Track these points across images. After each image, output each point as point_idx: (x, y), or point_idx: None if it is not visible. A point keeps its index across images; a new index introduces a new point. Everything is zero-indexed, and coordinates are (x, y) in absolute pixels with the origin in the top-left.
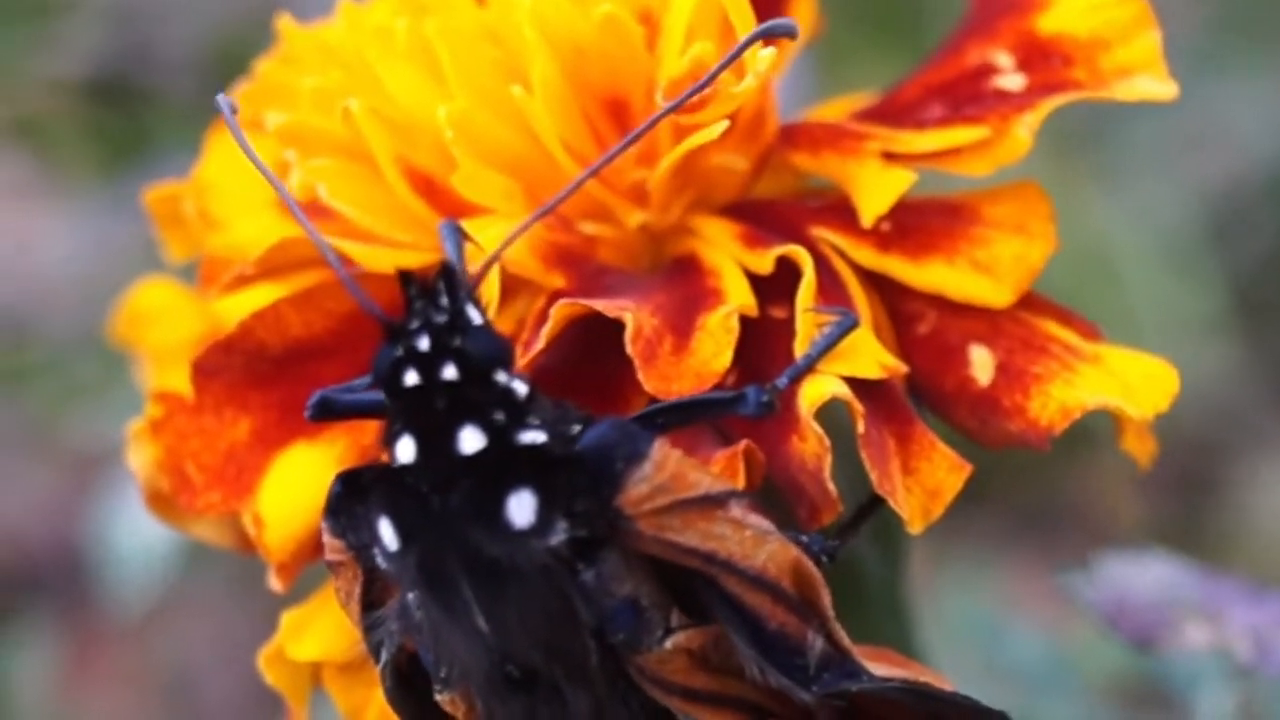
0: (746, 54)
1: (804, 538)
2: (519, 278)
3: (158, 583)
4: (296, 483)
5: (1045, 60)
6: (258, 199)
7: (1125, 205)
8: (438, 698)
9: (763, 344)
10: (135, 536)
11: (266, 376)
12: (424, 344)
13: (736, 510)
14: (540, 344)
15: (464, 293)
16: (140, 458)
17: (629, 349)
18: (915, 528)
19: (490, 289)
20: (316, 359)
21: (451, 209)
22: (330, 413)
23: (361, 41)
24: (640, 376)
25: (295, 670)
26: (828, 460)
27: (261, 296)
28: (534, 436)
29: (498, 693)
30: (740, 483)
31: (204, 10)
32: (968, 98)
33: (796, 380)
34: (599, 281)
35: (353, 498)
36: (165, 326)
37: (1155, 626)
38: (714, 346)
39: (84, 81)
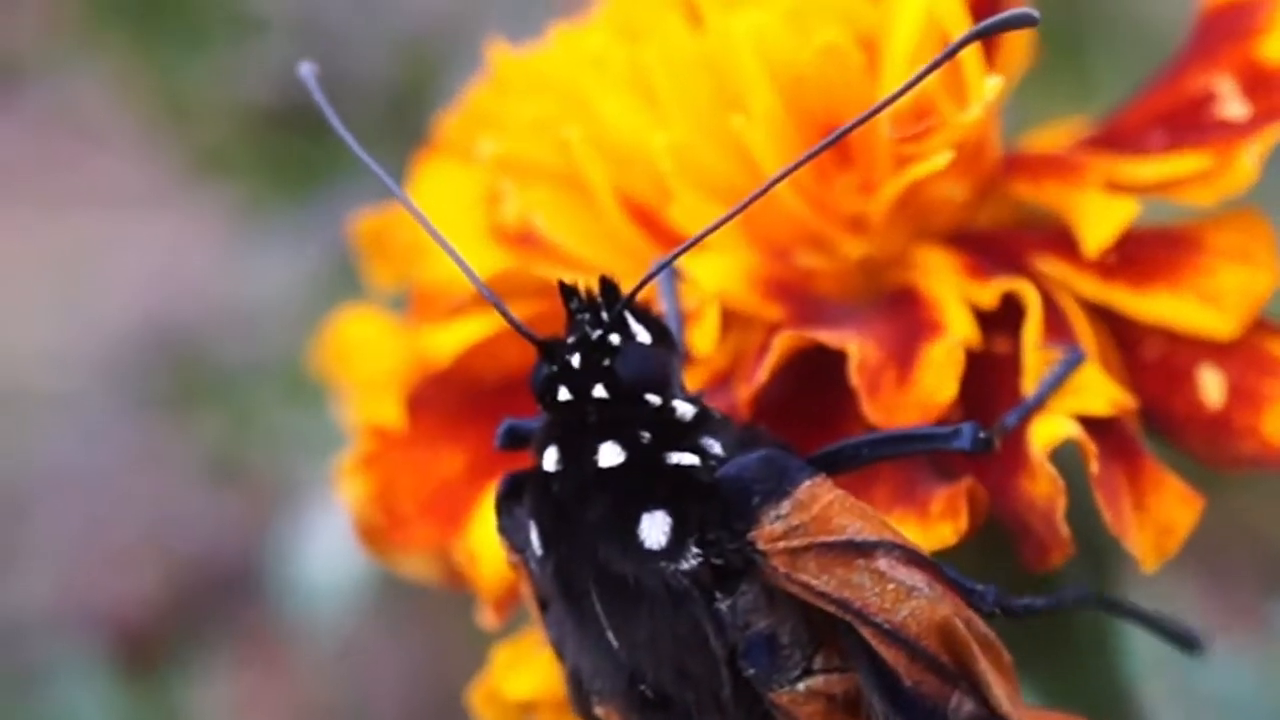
0: (972, 83)
1: (978, 588)
2: (738, 311)
3: (349, 615)
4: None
5: (1269, 88)
6: (471, 227)
7: None
8: (595, 709)
9: (985, 379)
10: (323, 569)
11: (480, 409)
12: (576, 361)
13: (883, 562)
14: (763, 376)
15: (623, 309)
16: (353, 492)
17: (853, 380)
18: (1149, 566)
19: (709, 323)
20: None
21: (667, 240)
22: (517, 441)
23: (576, 69)
24: (864, 408)
25: (509, 708)
26: (1061, 502)
27: (475, 328)
28: (684, 459)
29: (637, 710)
30: (961, 522)
31: (389, 33)
32: (1190, 126)
33: (1026, 419)
34: (818, 313)
35: (513, 498)
36: (371, 358)
37: None
38: (938, 378)
39: (267, 106)
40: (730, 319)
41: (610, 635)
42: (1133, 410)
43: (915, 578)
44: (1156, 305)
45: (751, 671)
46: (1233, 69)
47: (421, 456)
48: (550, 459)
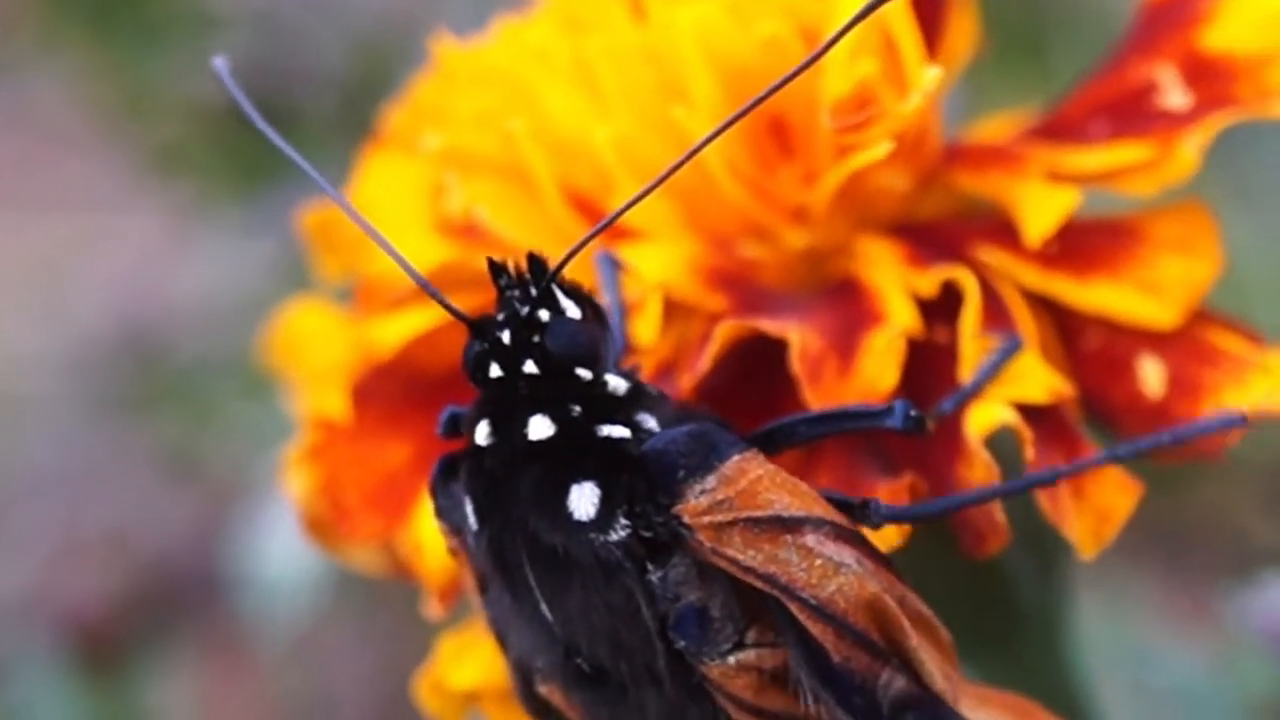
0: (912, 73)
1: (856, 501)
2: (680, 301)
3: (305, 610)
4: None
5: (1210, 77)
6: (416, 220)
7: (1253, 221)
8: (538, 688)
9: (926, 368)
10: (282, 564)
11: (425, 400)
12: (506, 337)
13: (811, 538)
14: (705, 364)
15: (553, 284)
16: (298, 484)
17: (794, 368)
18: (1088, 553)
19: (652, 313)
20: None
21: (611, 231)
22: (460, 427)
23: (520, 62)
24: (805, 396)
25: (453, 698)
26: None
27: (417, 319)
28: (614, 431)
29: (575, 687)
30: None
31: (343, 27)
32: (1132, 116)
33: (962, 405)
34: (760, 303)
35: (449, 477)
36: (318, 350)
37: None
38: (879, 367)
39: (223, 103)
40: (673, 309)
41: (544, 608)
42: (1072, 398)
43: (844, 554)
44: (1097, 295)
45: (682, 644)
46: (1174, 58)
47: (366, 448)
48: (482, 433)
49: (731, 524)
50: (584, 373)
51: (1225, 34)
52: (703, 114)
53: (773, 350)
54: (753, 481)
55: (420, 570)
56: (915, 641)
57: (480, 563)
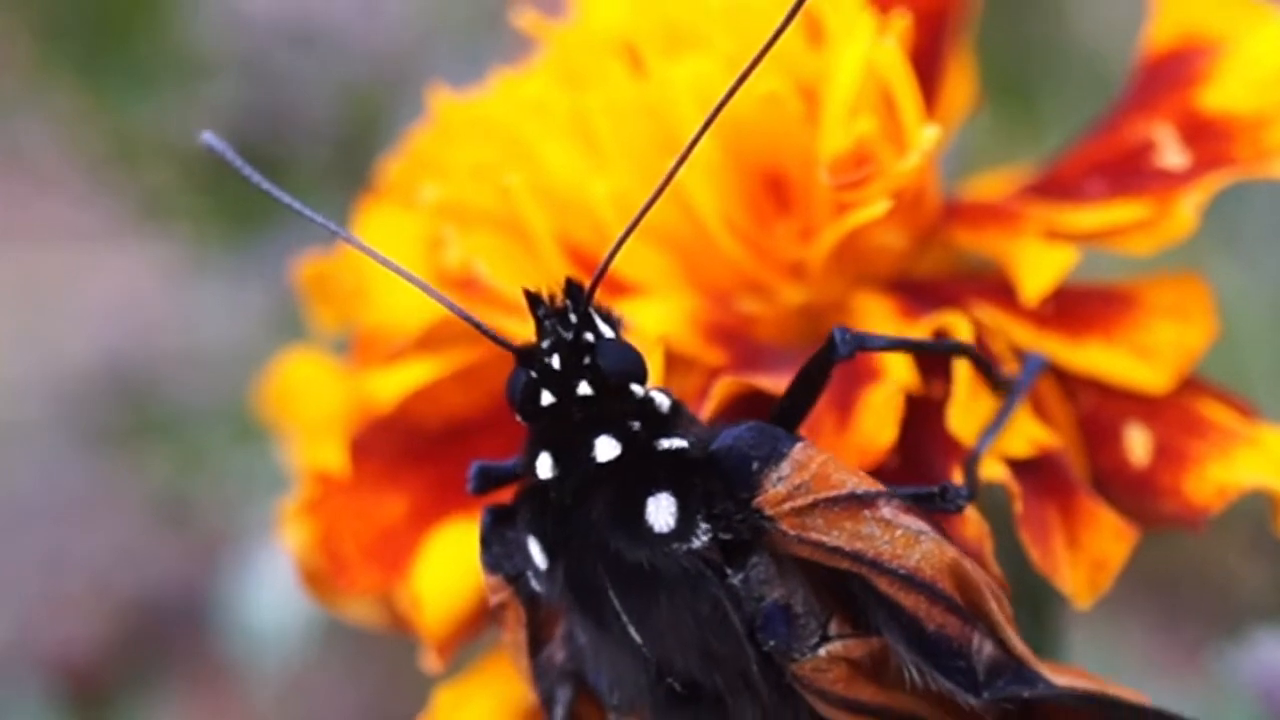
0: (911, 131)
1: (934, 489)
2: (679, 355)
3: (294, 656)
4: (453, 560)
5: (1208, 137)
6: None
7: (1244, 270)
8: None
9: (923, 423)
10: (270, 610)
11: (423, 454)
12: (556, 363)
13: (887, 510)
14: (705, 418)
15: (591, 309)
16: (296, 537)
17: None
18: (1083, 602)
19: (653, 367)
20: (473, 435)
21: (608, 285)
22: (491, 481)
23: (518, 115)
24: None
25: None
26: (989, 544)
27: (417, 372)
28: (674, 443)
29: (665, 710)
30: None
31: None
32: (1130, 174)
33: (974, 469)
34: (758, 357)
35: (503, 524)
36: (314, 402)
37: None
38: (877, 423)
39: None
40: (672, 363)
41: (632, 630)
42: (1062, 448)
43: (918, 523)
44: (1090, 356)
45: (771, 643)
46: (1172, 117)
47: (364, 501)
48: (545, 466)
49: (812, 507)
50: (637, 389)
51: (1223, 94)
52: (701, 170)
53: (771, 405)
54: (821, 465)
55: (419, 624)
56: (994, 606)
57: (551, 602)
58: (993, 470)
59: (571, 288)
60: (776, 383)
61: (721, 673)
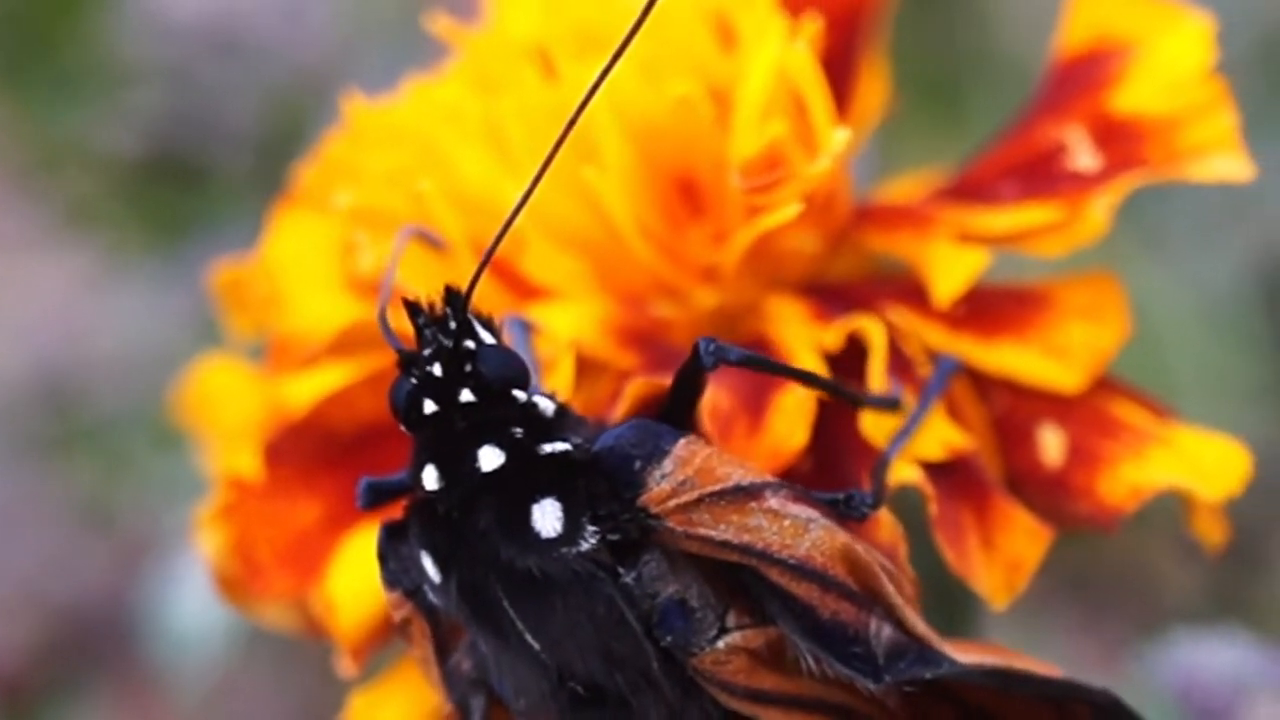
0: (822, 135)
1: (841, 496)
2: (591, 359)
3: (216, 664)
4: (366, 565)
5: (1120, 139)
6: (326, 278)
7: (1169, 271)
8: None
9: (836, 426)
10: (194, 615)
11: (337, 459)
12: (437, 370)
13: (774, 500)
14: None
15: (471, 315)
16: (211, 542)
17: (705, 425)
18: (999, 602)
19: (564, 371)
20: (386, 440)
21: (523, 290)
22: (380, 496)
23: (431, 121)
24: None
25: None
26: (903, 547)
27: (331, 377)
28: (557, 446)
29: (569, 715)
30: None
31: (258, 82)
32: (1042, 177)
33: (882, 474)
34: (671, 361)
35: (397, 539)
36: (230, 407)
37: (1226, 706)
38: (789, 426)
39: (137, 156)
40: (584, 367)
41: (529, 638)
42: (976, 450)
43: (807, 511)
44: (1003, 357)
45: (669, 639)
46: (1084, 120)
47: (279, 507)
48: (430, 479)
49: (697, 502)
50: (519, 394)
51: (1134, 96)
52: (614, 174)
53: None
54: (705, 459)
55: (333, 628)
56: (890, 588)
57: (449, 614)
58: (907, 473)
59: (450, 295)
60: None
61: (623, 673)
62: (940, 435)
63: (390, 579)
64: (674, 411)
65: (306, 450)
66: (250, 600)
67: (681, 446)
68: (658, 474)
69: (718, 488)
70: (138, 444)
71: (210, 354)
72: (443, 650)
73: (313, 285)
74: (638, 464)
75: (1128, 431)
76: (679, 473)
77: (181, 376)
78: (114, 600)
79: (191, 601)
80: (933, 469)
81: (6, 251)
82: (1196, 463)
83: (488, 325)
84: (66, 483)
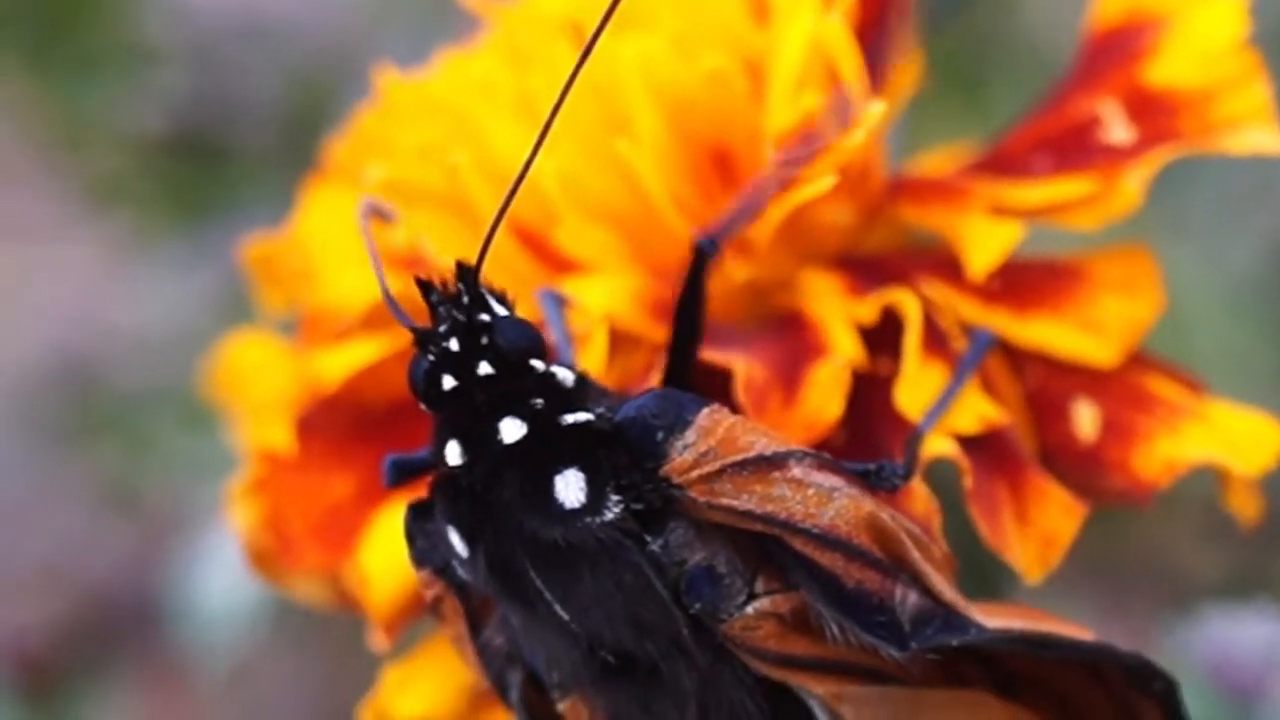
0: (857, 108)
1: (872, 467)
2: (624, 332)
3: (240, 645)
4: (400, 539)
5: (1153, 112)
6: (359, 253)
7: (1194, 251)
8: (559, 707)
9: (870, 399)
10: (220, 595)
11: (369, 433)
12: (454, 345)
13: (798, 470)
14: None
15: (484, 289)
16: (243, 517)
17: (740, 397)
18: (1033, 577)
19: (598, 345)
20: (419, 414)
21: (555, 264)
22: (406, 473)
23: (464, 95)
24: None
25: None
26: (937, 520)
27: (363, 351)
28: (579, 417)
29: (601, 685)
30: None
31: (283, 59)
32: (1075, 150)
33: (915, 446)
34: (705, 334)
35: (424, 517)
36: (262, 382)
37: (1258, 681)
38: (823, 399)
39: (161, 135)
40: (618, 341)
41: (558, 608)
42: (1011, 424)
43: (831, 479)
44: (1037, 331)
45: (698, 605)
46: (1118, 93)
47: (311, 480)
48: (454, 454)
49: (720, 472)
50: (538, 364)
51: (1168, 69)
52: (647, 147)
53: (717, 383)
54: (729, 429)
55: (366, 602)
56: (916, 555)
57: (479, 588)
58: (941, 445)
59: (461, 270)
60: (723, 356)
61: (653, 641)
62: (975, 409)
63: (419, 557)
64: (683, 321)
65: (339, 424)
66: (282, 574)
67: (705, 416)
68: (680, 444)
69: (740, 457)
70: (162, 424)
71: (237, 331)
72: (475, 626)
73: (345, 259)
74: (660, 434)
75: (1162, 406)
76: (702, 443)
77: (207, 355)
78: (138, 581)
79: (216, 582)
80: (967, 443)
81: (32, 231)
82: (1231, 438)
83: (501, 298)
84: (91, 463)
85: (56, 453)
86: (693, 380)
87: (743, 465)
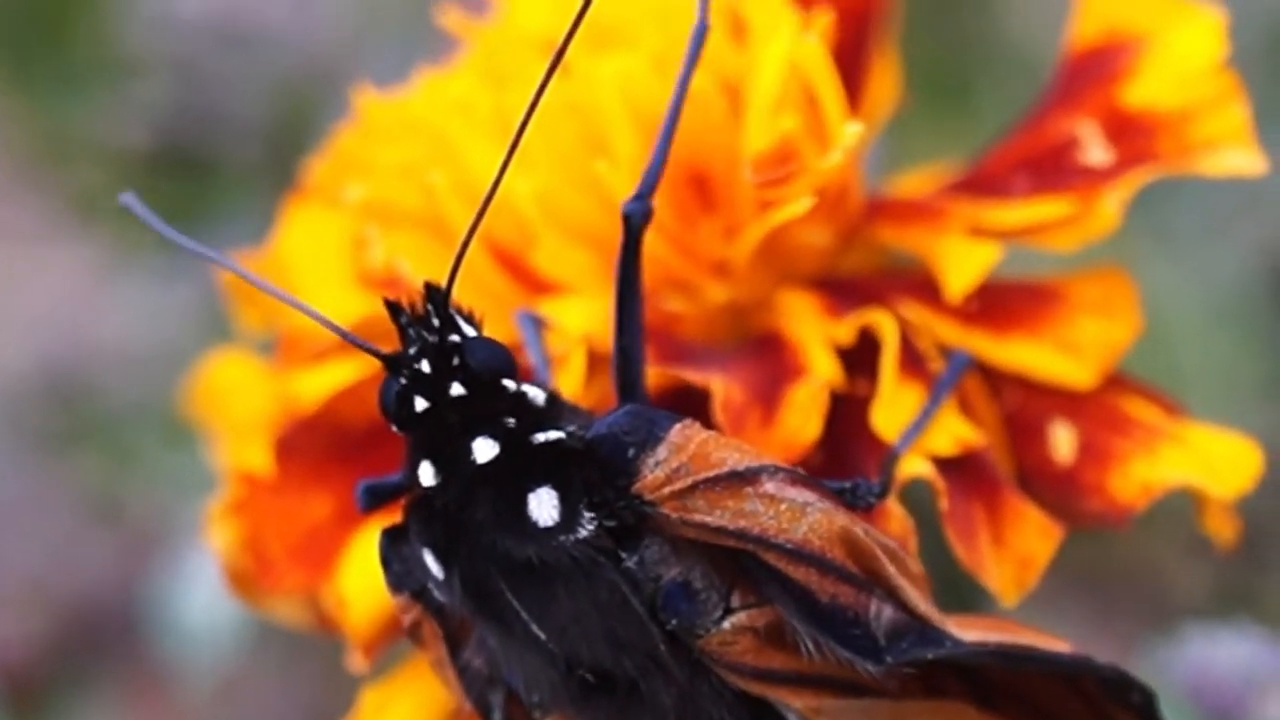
0: (833, 129)
1: (848, 485)
2: (603, 354)
3: (224, 660)
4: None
5: (1131, 133)
6: (337, 272)
7: (1177, 265)
8: None
9: (847, 420)
10: (203, 610)
11: (348, 454)
12: (425, 367)
13: (770, 485)
14: None
15: (453, 310)
16: (221, 538)
17: (718, 417)
18: (1009, 600)
19: (575, 366)
20: (398, 436)
21: (533, 285)
22: (379, 498)
23: (442, 115)
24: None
25: None
26: (913, 540)
27: (341, 372)
28: (549, 435)
29: (581, 703)
30: None
31: (266, 74)
32: (1054, 171)
33: (891, 466)
34: (683, 355)
35: (399, 541)
36: (240, 402)
37: (1238, 701)
38: (801, 419)
39: (144, 148)
40: (595, 362)
41: (535, 628)
42: (987, 445)
43: (805, 494)
44: (1015, 352)
45: (674, 621)
46: (1096, 113)
47: (290, 502)
48: (427, 475)
49: (692, 489)
50: (509, 384)
51: (1146, 90)
52: (625, 167)
53: (695, 404)
54: (700, 444)
55: (344, 624)
56: (891, 569)
57: (455, 609)
58: (918, 466)
59: (431, 291)
60: (701, 376)
61: (630, 658)
62: (952, 430)
63: (395, 582)
64: (624, 293)
65: (318, 445)
66: (261, 596)
67: (676, 432)
68: (651, 461)
69: (713, 473)
70: (145, 438)
71: (219, 348)
72: (455, 649)
73: (324, 279)
74: (631, 451)
75: (1139, 428)
76: (674, 459)
77: (189, 370)
78: (121, 595)
79: (200, 596)
80: (944, 464)
81: (14, 244)
82: (1208, 460)
83: (470, 319)
84: (74, 477)
85: (40, 465)
86: (642, 342)
87: (715, 481)
